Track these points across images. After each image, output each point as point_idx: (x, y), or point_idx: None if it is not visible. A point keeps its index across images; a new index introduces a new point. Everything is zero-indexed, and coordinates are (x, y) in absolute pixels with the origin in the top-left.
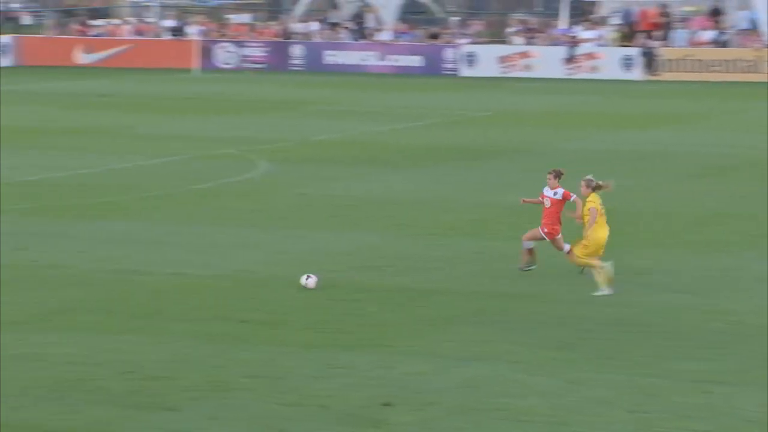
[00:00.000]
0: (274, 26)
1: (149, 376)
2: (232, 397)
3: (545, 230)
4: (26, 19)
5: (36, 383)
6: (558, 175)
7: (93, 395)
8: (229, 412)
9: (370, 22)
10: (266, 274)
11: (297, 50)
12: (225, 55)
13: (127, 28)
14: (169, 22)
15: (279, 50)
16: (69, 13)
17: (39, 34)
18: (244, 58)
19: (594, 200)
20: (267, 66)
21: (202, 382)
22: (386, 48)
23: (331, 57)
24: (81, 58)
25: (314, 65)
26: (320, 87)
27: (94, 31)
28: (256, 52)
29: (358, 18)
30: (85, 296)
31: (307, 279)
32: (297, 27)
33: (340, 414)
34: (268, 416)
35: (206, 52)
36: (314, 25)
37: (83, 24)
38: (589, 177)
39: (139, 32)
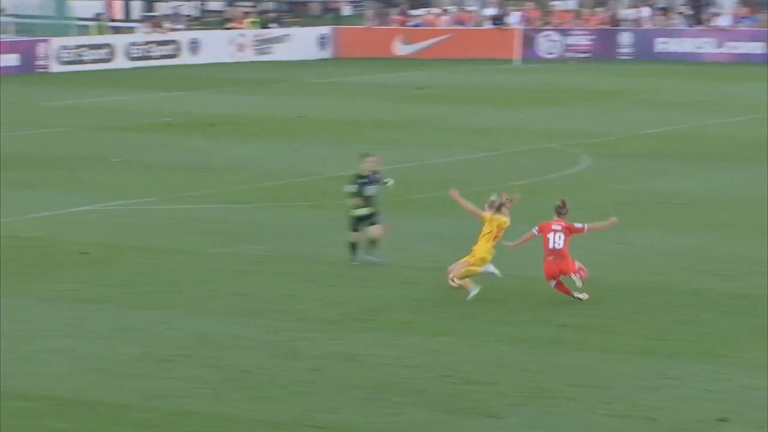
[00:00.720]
0: (601, 13)
1: (468, 379)
2: (553, 405)
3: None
4: (346, 10)
5: (352, 384)
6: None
7: (412, 398)
8: (551, 421)
9: (707, 6)
10: (588, 275)
11: (625, 38)
12: (548, 44)
13: (446, 17)
14: (490, 11)
15: (606, 38)
16: (389, 3)
17: (358, 25)
18: (568, 47)
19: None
20: (592, 55)
21: (522, 388)
22: (724, 34)
23: (663, 45)
24: (399, 49)
25: (644, 53)
26: (650, 76)
27: (413, 22)
28: (581, 40)
29: (694, 2)
30: (401, 295)
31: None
32: (626, 13)
33: (670, 428)
34: (592, 427)
35: (528, 41)
36: (645, 11)
37: (403, 14)
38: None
39: (458, 21)
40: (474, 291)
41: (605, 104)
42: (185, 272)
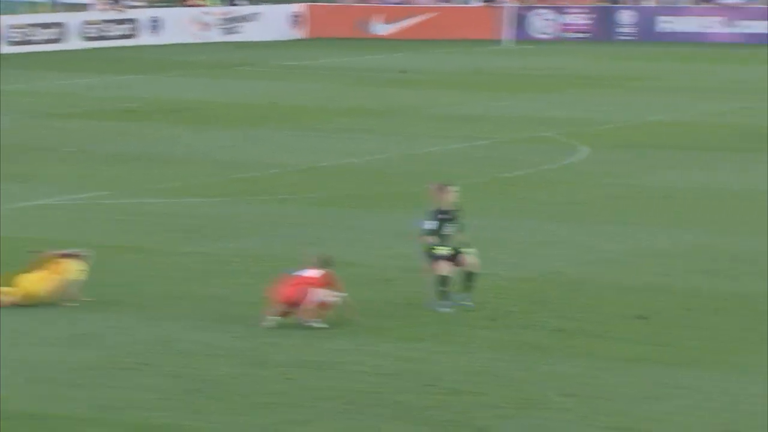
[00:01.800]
0: None
1: (451, 389)
2: (545, 418)
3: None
4: None
5: (327, 395)
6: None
7: (390, 410)
8: None
9: None
10: (580, 276)
11: (626, 16)
12: (541, 23)
13: None
14: None
15: (604, 17)
16: None
17: (334, 2)
18: (564, 27)
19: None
20: (590, 35)
21: (511, 398)
22: (734, 12)
23: (667, 24)
24: (378, 28)
25: (646, 34)
26: (653, 59)
27: None
28: (578, 19)
29: None
30: (375, 297)
31: None
32: None
33: None
34: None
35: (520, 20)
36: None
37: None
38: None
39: None
40: None
41: (603, 90)
42: (145, 273)
